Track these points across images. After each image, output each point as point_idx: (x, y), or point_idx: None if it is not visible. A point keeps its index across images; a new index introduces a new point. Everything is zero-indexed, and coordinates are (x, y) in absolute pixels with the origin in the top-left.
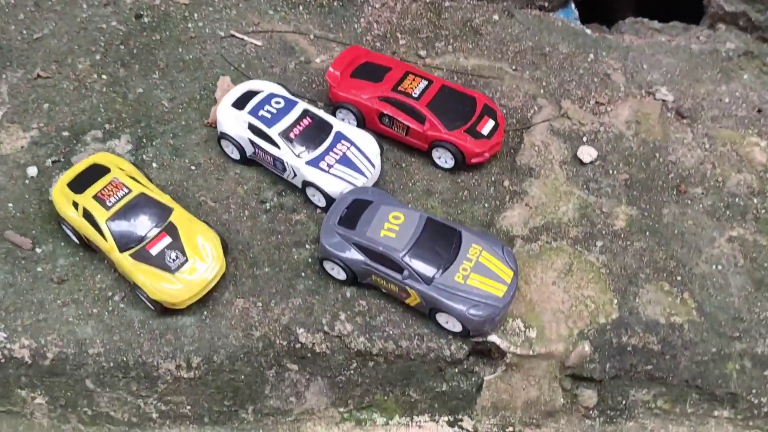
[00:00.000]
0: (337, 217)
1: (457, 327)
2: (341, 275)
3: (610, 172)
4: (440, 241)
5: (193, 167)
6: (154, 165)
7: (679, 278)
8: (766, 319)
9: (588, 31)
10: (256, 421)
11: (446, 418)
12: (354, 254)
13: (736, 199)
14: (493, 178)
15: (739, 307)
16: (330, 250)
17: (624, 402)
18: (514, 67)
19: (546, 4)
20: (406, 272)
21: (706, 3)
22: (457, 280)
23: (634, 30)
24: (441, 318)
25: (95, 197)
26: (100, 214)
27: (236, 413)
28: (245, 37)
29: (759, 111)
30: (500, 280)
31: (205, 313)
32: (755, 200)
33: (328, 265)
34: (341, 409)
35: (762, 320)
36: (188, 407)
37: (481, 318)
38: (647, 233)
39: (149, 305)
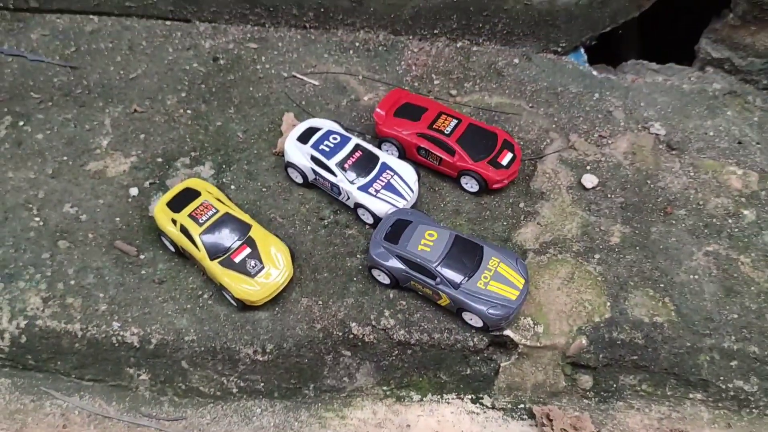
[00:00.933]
0: (383, 233)
1: (479, 323)
2: (386, 280)
3: (609, 196)
4: (466, 254)
5: (264, 189)
6: (232, 187)
7: (661, 285)
8: (732, 319)
9: (594, 72)
10: (316, 396)
11: (470, 396)
12: (396, 263)
13: (714, 220)
14: (510, 201)
15: (711, 310)
16: (377, 260)
17: (615, 385)
18: (530, 105)
19: (559, 49)
20: (438, 279)
21: (697, 49)
22: (479, 286)
23: (635, 70)
24: (466, 316)
25: (190, 215)
26: (195, 230)
27: (300, 390)
28: (305, 78)
29: (739, 143)
30: (514, 286)
31: (277, 309)
32: (730, 220)
33: (375, 272)
34: (384, 388)
35: (729, 321)
36: (262, 384)
37: (498, 316)
38: (637, 248)
39: (232, 302)
